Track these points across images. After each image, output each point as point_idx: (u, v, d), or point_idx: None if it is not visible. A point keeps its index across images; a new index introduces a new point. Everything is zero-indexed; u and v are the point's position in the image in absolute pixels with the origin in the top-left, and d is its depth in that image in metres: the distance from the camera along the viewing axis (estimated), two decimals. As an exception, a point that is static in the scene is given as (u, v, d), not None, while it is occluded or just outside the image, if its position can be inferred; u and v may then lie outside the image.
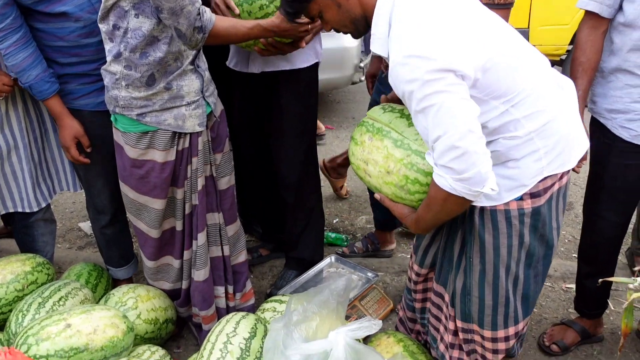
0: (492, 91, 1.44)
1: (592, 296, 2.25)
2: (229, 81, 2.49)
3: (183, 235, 2.09)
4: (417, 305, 2.05)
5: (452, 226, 1.75)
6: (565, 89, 1.61)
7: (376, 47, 1.50)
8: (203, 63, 1.96)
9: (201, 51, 1.96)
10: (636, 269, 1.66)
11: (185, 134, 1.91)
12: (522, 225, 1.56)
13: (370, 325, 1.74)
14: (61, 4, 1.89)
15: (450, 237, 1.77)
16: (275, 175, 2.58)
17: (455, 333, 1.82)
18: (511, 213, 1.55)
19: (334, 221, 3.42)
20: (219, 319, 2.17)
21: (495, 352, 1.75)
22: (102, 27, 1.81)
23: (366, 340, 2.14)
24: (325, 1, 1.51)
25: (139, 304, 2.13)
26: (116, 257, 2.46)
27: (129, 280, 2.54)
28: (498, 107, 1.46)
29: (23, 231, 2.43)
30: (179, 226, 2.06)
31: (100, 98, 2.02)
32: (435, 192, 1.45)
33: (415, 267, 1.95)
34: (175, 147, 1.91)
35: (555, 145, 1.51)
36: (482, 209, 1.58)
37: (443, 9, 1.40)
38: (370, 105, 2.67)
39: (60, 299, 2.05)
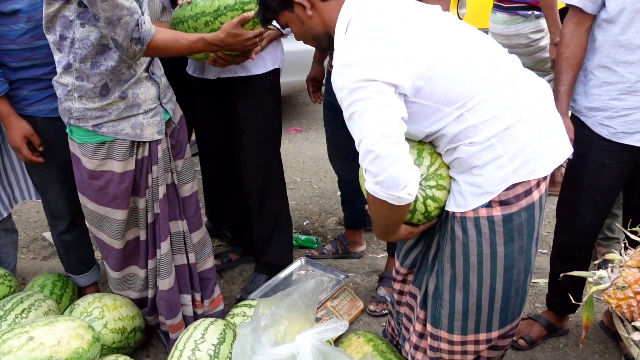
0: (441, 98, 1.46)
1: (566, 294, 2.28)
2: (191, 87, 2.47)
3: (147, 245, 2.06)
4: (395, 305, 2.06)
5: (432, 230, 1.75)
6: (536, 93, 1.57)
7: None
8: (159, 69, 1.94)
9: (156, 58, 1.94)
10: (596, 262, 1.69)
11: (144, 142, 1.88)
12: (493, 233, 1.55)
13: (337, 326, 1.75)
14: (14, 1, 1.85)
15: (429, 240, 1.78)
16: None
17: (421, 335, 1.82)
18: (480, 220, 1.54)
19: (304, 223, 3.41)
20: (186, 326, 2.15)
21: (464, 353, 1.74)
22: (49, 37, 1.77)
23: (337, 341, 2.15)
24: (290, 16, 1.58)
25: (105, 313, 2.10)
26: (76, 264, 2.41)
27: (95, 289, 2.49)
28: (452, 113, 1.48)
29: None
30: (142, 236, 2.04)
31: (54, 104, 1.97)
32: (367, 195, 1.52)
33: (397, 264, 1.96)
34: (134, 156, 1.88)
35: (520, 152, 1.49)
36: (454, 214, 1.58)
37: (386, 23, 1.45)
38: (324, 107, 2.68)
39: (22, 312, 2.00)
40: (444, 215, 1.65)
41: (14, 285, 2.25)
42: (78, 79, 1.77)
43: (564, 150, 1.59)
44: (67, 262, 2.43)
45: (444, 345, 1.74)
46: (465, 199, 1.55)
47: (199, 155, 2.97)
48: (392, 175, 1.40)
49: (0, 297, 2.16)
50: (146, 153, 1.90)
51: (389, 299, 2.58)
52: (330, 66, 2.20)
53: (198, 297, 2.20)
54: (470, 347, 1.73)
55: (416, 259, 1.87)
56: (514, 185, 1.50)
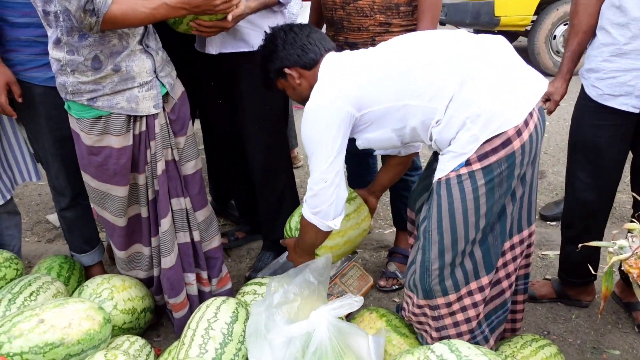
0: (376, 109, 1.70)
1: (574, 263, 2.27)
2: (195, 63, 2.42)
3: (149, 222, 2.03)
4: None
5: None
6: (486, 54, 1.65)
7: None
8: (154, 42, 1.89)
9: (151, 30, 1.88)
10: (615, 232, 1.66)
11: (141, 116, 1.84)
12: (476, 186, 1.61)
13: (352, 302, 1.73)
14: None
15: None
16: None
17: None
18: (462, 177, 1.62)
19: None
20: (190, 306, 2.13)
21: (463, 309, 1.78)
22: (38, 12, 1.75)
23: (348, 317, 2.13)
24: (284, 83, 1.90)
25: (115, 294, 2.07)
26: (79, 243, 2.39)
27: (100, 269, 2.47)
28: (395, 105, 1.67)
29: None
30: (144, 213, 2.00)
31: (50, 73, 1.91)
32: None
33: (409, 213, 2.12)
34: (131, 131, 1.85)
35: (479, 111, 1.56)
36: (439, 181, 1.67)
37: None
38: None
39: (31, 294, 1.98)
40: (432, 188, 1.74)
41: (21, 268, 2.22)
42: (69, 53, 1.74)
43: (532, 96, 1.63)
44: (71, 241, 2.40)
45: (444, 310, 1.78)
46: (445, 165, 1.65)
47: (202, 133, 2.92)
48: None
49: (8, 280, 2.13)
50: (143, 128, 1.86)
51: (399, 275, 2.57)
52: None
53: (204, 275, 2.17)
54: (467, 301, 1.76)
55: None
56: (488, 140, 1.57)
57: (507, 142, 1.58)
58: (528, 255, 1.90)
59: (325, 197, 1.76)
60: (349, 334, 1.69)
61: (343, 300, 1.72)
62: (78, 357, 1.78)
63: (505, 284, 1.81)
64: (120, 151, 1.85)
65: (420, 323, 1.88)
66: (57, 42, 1.74)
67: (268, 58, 1.87)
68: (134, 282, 2.18)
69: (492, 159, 1.59)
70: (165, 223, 1.98)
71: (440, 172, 1.68)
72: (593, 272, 1.75)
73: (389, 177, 2.22)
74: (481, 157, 1.59)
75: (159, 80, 1.86)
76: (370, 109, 1.71)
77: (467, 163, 1.60)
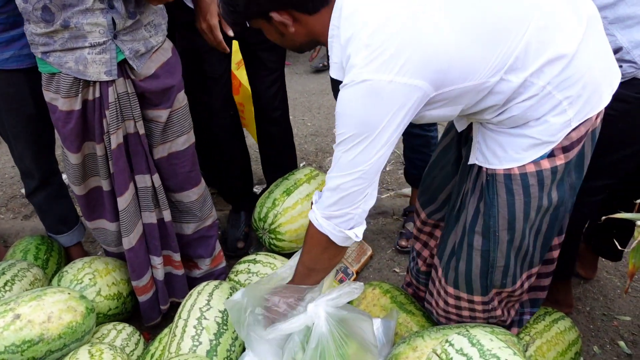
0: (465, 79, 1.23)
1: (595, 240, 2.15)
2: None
3: (113, 196, 1.85)
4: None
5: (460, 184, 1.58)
6: (584, 17, 1.29)
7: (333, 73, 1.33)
8: (119, 2, 1.60)
9: None
10: (638, 201, 1.53)
11: (94, 82, 1.64)
12: (554, 184, 1.38)
13: (351, 290, 1.57)
14: None
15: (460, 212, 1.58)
16: None
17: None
18: (543, 173, 1.35)
19: (301, 165, 3.22)
20: (157, 290, 1.99)
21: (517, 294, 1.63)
22: None
23: (350, 294, 2.01)
24: (265, 25, 1.34)
25: (98, 279, 1.92)
26: (54, 224, 2.24)
27: (79, 249, 2.31)
28: (489, 81, 1.24)
29: None
30: (105, 186, 1.82)
31: (5, 54, 1.75)
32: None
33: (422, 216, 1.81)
34: (79, 95, 1.65)
35: (582, 91, 1.28)
36: (508, 173, 1.38)
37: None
38: None
39: (5, 284, 1.82)
40: (474, 171, 1.47)
41: (-6, 253, 2.06)
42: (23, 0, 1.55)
43: (616, 72, 1.39)
44: (46, 222, 2.25)
45: (495, 303, 1.62)
46: (519, 152, 1.35)
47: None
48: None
49: (-21, 267, 1.97)
50: (97, 94, 1.66)
51: None
52: None
53: (176, 257, 2.00)
54: (518, 291, 1.61)
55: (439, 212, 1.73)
56: (577, 127, 1.31)
57: (590, 128, 1.35)
58: None
59: (353, 197, 1.34)
60: (350, 321, 1.55)
61: (342, 288, 1.57)
62: (60, 352, 1.64)
63: (550, 268, 1.69)
64: (67, 115, 1.68)
65: (460, 316, 1.68)
66: None
67: None
68: (118, 263, 2.03)
69: (575, 150, 1.34)
70: (121, 201, 1.79)
71: (511, 161, 1.36)
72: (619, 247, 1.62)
73: None
74: (567, 148, 1.33)
75: (116, 44, 1.63)
76: (453, 87, 1.24)
77: (551, 154, 1.33)
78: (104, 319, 1.92)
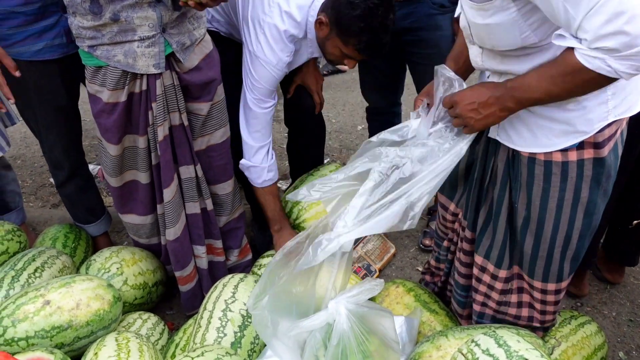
0: None
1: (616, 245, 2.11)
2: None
3: (152, 188, 1.87)
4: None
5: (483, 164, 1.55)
6: None
7: None
8: None
9: None
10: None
11: (141, 75, 1.65)
12: (580, 179, 1.34)
13: (371, 287, 1.58)
14: None
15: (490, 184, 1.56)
16: None
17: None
18: (569, 165, 1.32)
19: (325, 161, 3.21)
20: (200, 279, 2.01)
21: (543, 302, 1.59)
22: None
23: (373, 291, 2.01)
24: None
25: (124, 269, 1.95)
26: (82, 214, 2.27)
27: (108, 241, 2.35)
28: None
29: None
30: (143, 179, 1.84)
31: (37, 45, 1.77)
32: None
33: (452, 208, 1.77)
34: (125, 88, 1.66)
35: (626, 84, 1.23)
36: (535, 155, 1.35)
37: None
38: None
39: (35, 270, 1.86)
40: (509, 154, 1.43)
41: (24, 240, 2.09)
42: None
43: None
44: (73, 212, 2.29)
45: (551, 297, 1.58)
46: (549, 138, 1.30)
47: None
48: None
49: (11, 253, 2.01)
50: (144, 87, 1.68)
51: None
52: None
53: (218, 244, 2.03)
54: (537, 295, 1.57)
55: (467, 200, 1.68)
56: (610, 124, 1.27)
57: (617, 130, 1.31)
58: None
59: None
60: (371, 317, 1.55)
61: (362, 285, 1.57)
62: (88, 339, 1.67)
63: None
64: (112, 107, 1.69)
65: (479, 281, 1.67)
66: None
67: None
68: (145, 254, 2.06)
69: (605, 149, 1.29)
70: (167, 193, 1.82)
71: (538, 146, 1.32)
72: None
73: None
74: (598, 145, 1.28)
75: (164, 37, 1.67)
76: None
77: (580, 146, 1.29)
78: (129, 308, 1.95)
